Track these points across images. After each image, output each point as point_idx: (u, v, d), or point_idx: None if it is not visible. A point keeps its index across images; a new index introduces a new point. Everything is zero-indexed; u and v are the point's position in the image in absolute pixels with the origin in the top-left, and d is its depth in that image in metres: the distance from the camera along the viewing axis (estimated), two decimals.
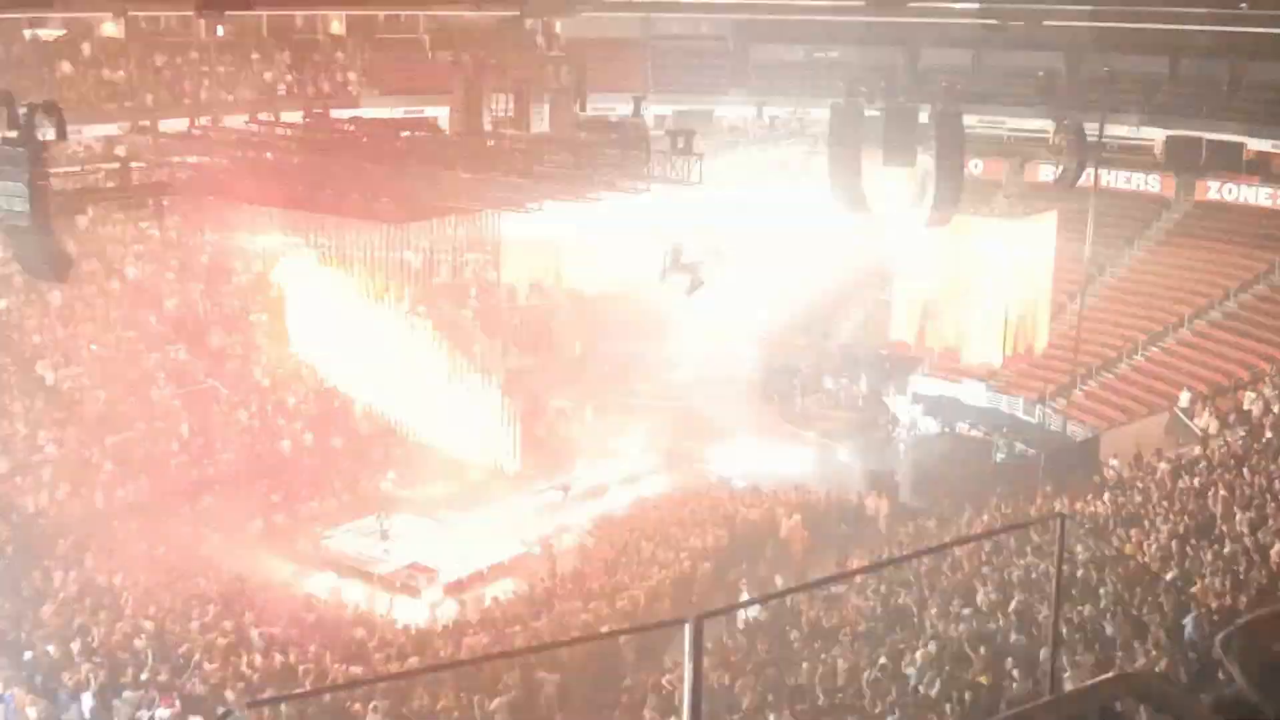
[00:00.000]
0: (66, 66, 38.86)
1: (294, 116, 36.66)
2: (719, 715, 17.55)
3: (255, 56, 43.07)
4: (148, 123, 36.93)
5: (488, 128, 32.54)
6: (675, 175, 28.03)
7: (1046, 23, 42.60)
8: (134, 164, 32.00)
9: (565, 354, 39.77)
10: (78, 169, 32.54)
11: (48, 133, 24.00)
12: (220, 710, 19.67)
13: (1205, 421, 29.53)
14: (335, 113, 39.92)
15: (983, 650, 17.47)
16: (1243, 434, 26.72)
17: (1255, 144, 40.66)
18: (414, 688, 19.73)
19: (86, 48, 40.12)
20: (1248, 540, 20.05)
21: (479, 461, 33.03)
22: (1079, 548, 20.34)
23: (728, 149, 34.97)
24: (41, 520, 29.04)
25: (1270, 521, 20.45)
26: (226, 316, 37.03)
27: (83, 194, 30.61)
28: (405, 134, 32.16)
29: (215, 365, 35.51)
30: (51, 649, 21.98)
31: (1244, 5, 38.66)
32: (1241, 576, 18.70)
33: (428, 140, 32.05)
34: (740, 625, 22.34)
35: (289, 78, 43.44)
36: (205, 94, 40.72)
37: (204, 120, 36.19)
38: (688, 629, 5.17)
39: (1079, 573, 19.50)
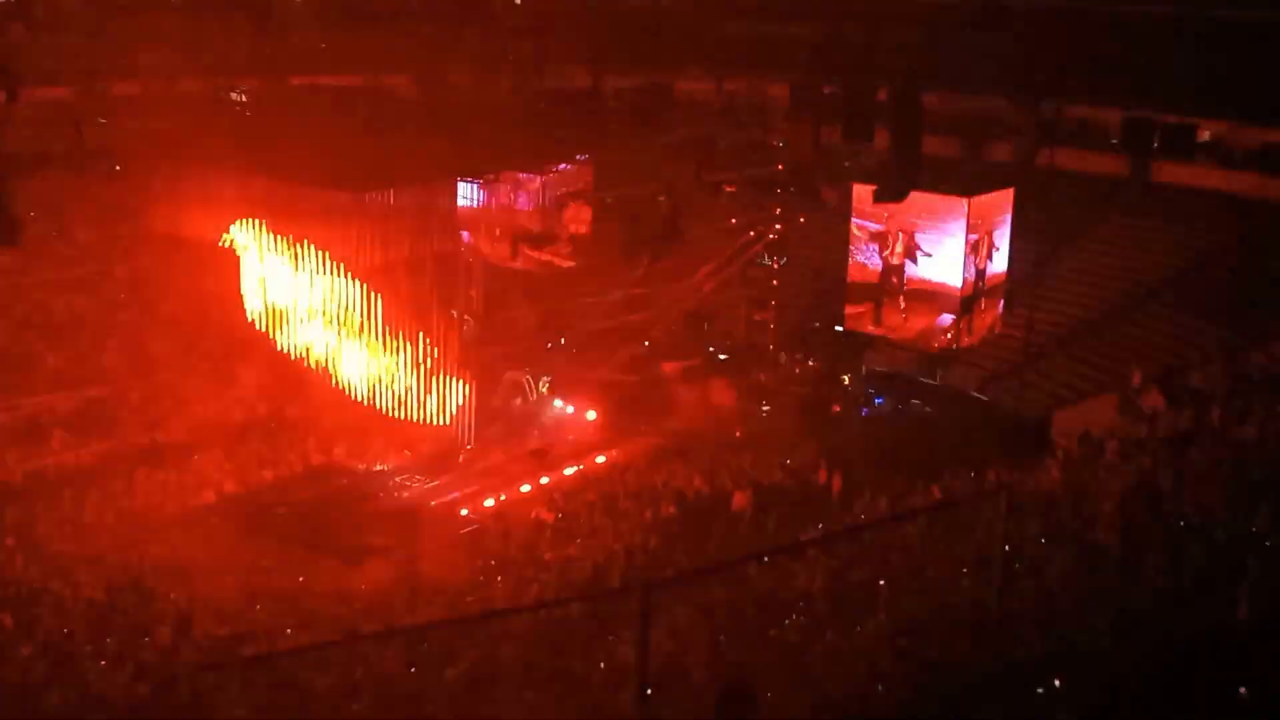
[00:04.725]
0: (18, 29, 38.37)
1: (251, 82, 36.41)
2: (668, 686, 17.61)
3: (213, 20, 42.59)
4: (102, 86, 36.57)
5: (447, 97, 32.43)
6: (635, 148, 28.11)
7: (1005, 1, 42.71)
8: (87, 128, 31.71)
9: (521, 326, 39.67)
10: (30, 132, 32.19)
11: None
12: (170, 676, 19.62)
13: (1154, 401, 29.80)
14: (293, 79, 39.62)
15: (934, 625, 17.59)
16: (1190, 414, 26.98)
17: (1209, 127, 40.92)
18: (366, 655, 19.70)
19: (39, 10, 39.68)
20: (1193, 519, 20.28)
21: (433, 433, 33.02)
22: (1029, 525, 20.49)
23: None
24: None
25: (1214, 501, 20.69)
26: (179, 283, 36.68)
27: (35, 157, 30.29)
28: (364, 102, 32.03)
29: (167, 331, 35.20)
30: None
31: None
32: (1185, 555, 18.93)
33: (386, 109, 31.91)
34: (690, 597, 22.37)
35: (246, 43, 42.98)
36: (161, 58, 40.22)
37: (159, 84, 35.88)
38: (636, 598, 5.22)
39: (1027, 550, 19.65)
